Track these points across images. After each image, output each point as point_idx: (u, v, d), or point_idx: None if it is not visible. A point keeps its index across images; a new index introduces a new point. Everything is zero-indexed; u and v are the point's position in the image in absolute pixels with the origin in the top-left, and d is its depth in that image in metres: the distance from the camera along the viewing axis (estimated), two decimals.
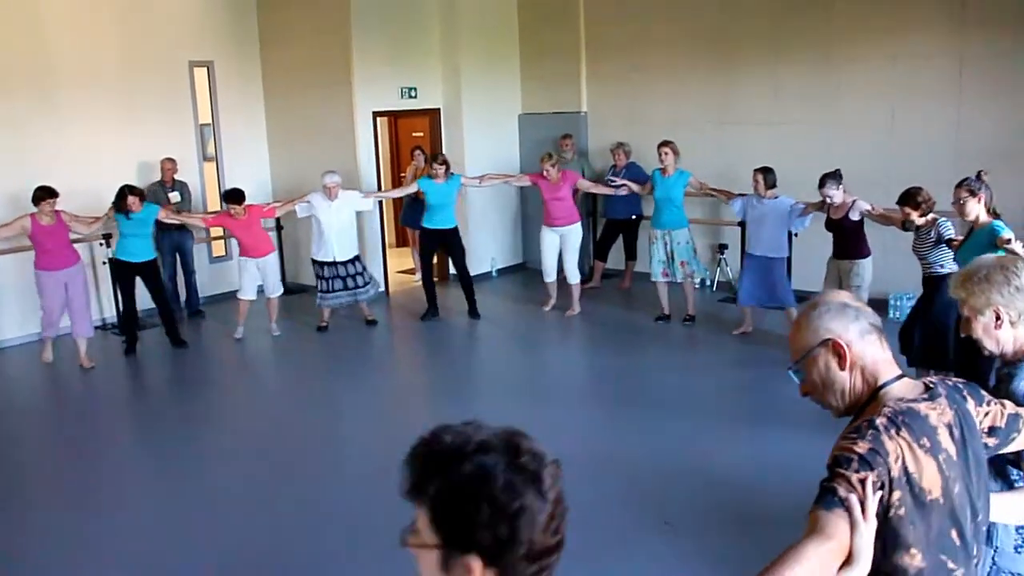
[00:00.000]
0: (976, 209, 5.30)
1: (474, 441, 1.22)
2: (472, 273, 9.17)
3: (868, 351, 1.88)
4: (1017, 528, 2.48)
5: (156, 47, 9.36)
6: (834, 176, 6.94)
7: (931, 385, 1.90)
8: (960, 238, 5.72)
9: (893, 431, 1.75)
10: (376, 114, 9.93)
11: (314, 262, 8.66)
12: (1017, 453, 2.26)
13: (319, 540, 4.57)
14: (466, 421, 1.27)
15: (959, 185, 5.39)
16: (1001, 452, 2.08)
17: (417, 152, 10.65)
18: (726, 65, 9.31)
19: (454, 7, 10.21)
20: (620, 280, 10.16)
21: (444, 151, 10.36)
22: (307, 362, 8.17)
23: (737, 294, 8.12)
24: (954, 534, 1.81)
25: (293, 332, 8.90)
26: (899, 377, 1.89)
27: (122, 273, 8.00)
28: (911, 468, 1.75)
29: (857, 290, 6.80)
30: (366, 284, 8.77)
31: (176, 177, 9.13)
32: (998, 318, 2.33)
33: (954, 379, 2.01)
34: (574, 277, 9.00)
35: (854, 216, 6.88)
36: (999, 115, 7.79)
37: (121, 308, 8.23)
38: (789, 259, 8.14)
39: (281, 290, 8.76)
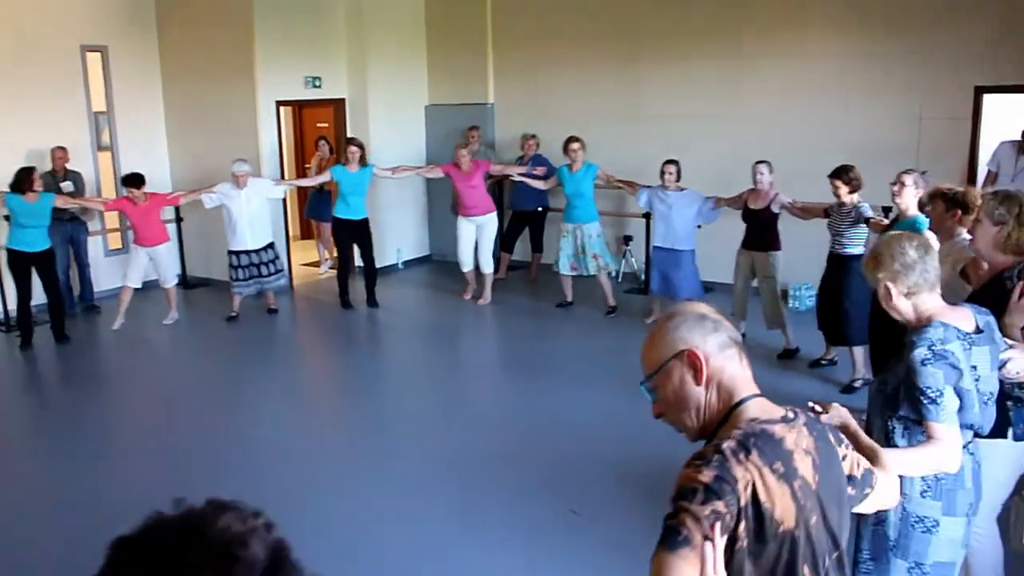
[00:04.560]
0: (912, 200, 5.52)
1: None
2: (378, 265, 9.14)
3: (727, 366, 1.75)
4: (923, 476, 2.64)
5: (44, 30, 8.93)
6: (766, 163, 7.18)
7: (791, 412, 1.77)
8: (879, 218, 6.11)
9: (742, 455, 1.61)
10: (279, 103, 9.74)
11: (229, 252, 8.58)
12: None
13: None
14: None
15: (909, 172, 5.62)
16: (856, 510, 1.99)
17: (322, 143, 10.49)
18: (635, 58, 9.45)
19: None
20: (527, 272, 10.23)
21: None
22: (210, 354, 8.01)
23: (648, 284, 8.23)
24: (806, 570, 1.66)
25: (196, 324, 8.78)
26: (756, 396, 1.76)
27: (17, 264, 7.70)
28: (762, 496, 1.59)
29: (771, 281, 7.09)
30: (276, 272, 8.73)
31: (68, 167, 8.77)
32: (888, 292, 2.62)
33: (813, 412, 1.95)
34: (488, 266, 9.05)
35: (775, 208, 7.11)
36: (890, 112, 8.16)
37: (17, 301, 7.89)
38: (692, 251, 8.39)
39: (175, 280, 8.70)
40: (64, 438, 5.94)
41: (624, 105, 9.58)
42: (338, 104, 10.42)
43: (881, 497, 2.01)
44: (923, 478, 2.65)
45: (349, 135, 9.72)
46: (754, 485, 1.59)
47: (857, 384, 6.36)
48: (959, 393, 2.52)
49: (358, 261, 9.39)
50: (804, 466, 1.67)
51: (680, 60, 9.17)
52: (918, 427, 2.56)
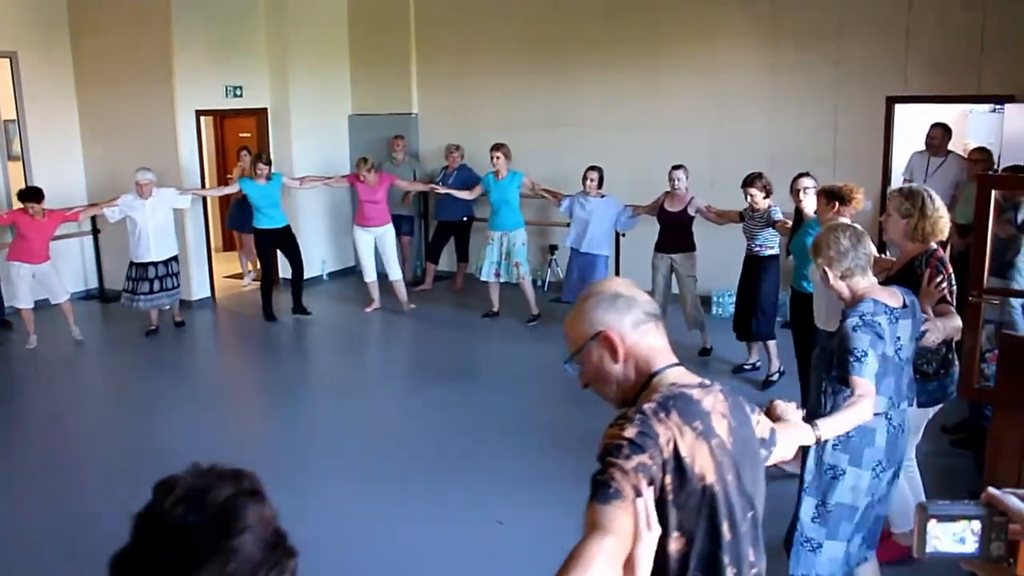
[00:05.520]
0: (813, 200, 5.73)
1: None
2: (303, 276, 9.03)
3: (642, 341, 1.85)
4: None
5: None
6: (683, 168, 7.33)
7: (707, 381, 1.88)
8: (785, 221, 6.33)
9: (663, 414, 1.70)
10: (199, 113, 9.54)
11: (132, 264, 8.30)
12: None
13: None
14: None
15: (806, 176, 5.93)
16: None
17: (244, 153, 10.31)
18: (558, 68, 9.51)
19: (281, 3, 9.96)
20: (452, 282, 10.19)
21: (272, 152, 10.10)
22: (134, 369, 7.80)
23: (563, 290, 8.31)
24: (726, 527, 1.74)
25: (114, 339, 8.60)
26: (674, 365, 1.86)
27: None
28: (683, 451, 1.68)
29: (693, 280, 7.32)
30: (176, 288, 8.47)
31: None
32: (826, 274, 3.18)
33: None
34: (396, 273, 9.01)
35: (691, 211, 7.30)
36: (806, 120, 8.36)
37: None
38: (617, 257, 8.48)
39: (68, 294, 8.30)
40: None
41: (547, 114, 9.64)
42: (260, 114, 10.27)
43: (780, 449, 2.16)
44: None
45: (258, 151, 9.48)
46: (675, 441, 1.68)
47: (775, 377, 6.65)
48: (881, 358, 3.02)
49: (283, 272, 9.28)
50: (720, 427, 1.78)
51: (601, 69, 9.27)
52: (844, 385, 3.04)
